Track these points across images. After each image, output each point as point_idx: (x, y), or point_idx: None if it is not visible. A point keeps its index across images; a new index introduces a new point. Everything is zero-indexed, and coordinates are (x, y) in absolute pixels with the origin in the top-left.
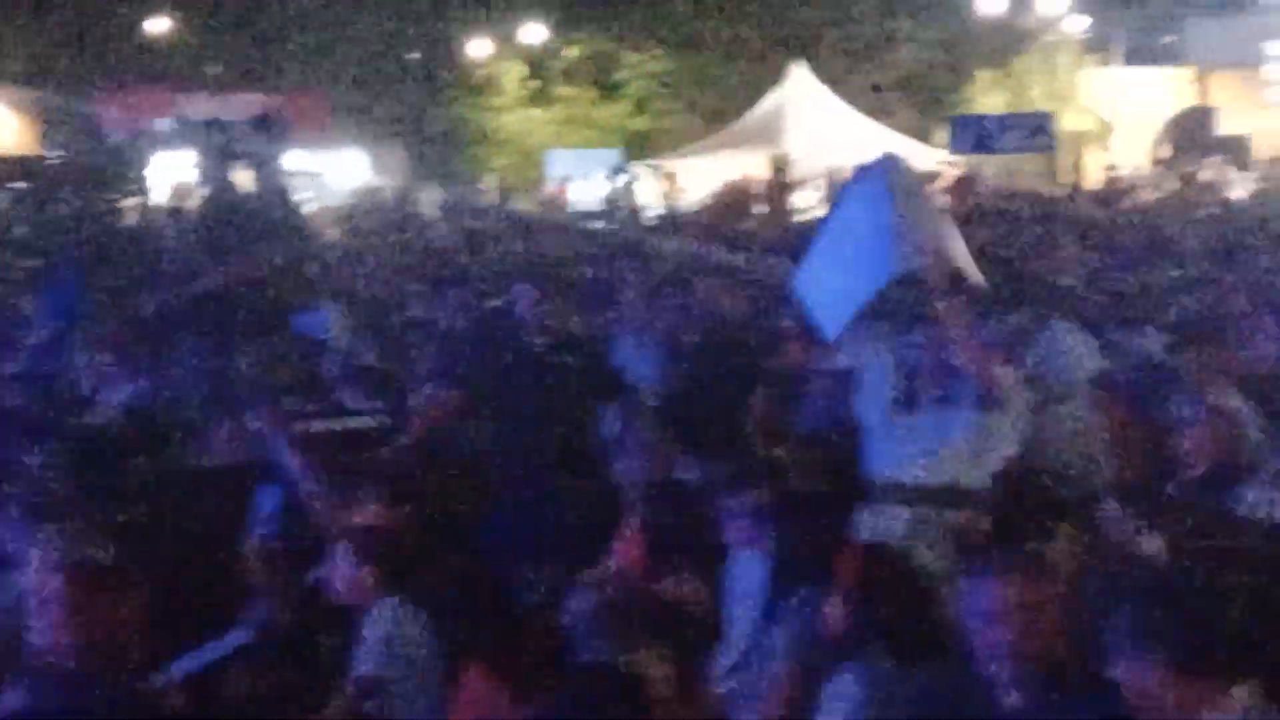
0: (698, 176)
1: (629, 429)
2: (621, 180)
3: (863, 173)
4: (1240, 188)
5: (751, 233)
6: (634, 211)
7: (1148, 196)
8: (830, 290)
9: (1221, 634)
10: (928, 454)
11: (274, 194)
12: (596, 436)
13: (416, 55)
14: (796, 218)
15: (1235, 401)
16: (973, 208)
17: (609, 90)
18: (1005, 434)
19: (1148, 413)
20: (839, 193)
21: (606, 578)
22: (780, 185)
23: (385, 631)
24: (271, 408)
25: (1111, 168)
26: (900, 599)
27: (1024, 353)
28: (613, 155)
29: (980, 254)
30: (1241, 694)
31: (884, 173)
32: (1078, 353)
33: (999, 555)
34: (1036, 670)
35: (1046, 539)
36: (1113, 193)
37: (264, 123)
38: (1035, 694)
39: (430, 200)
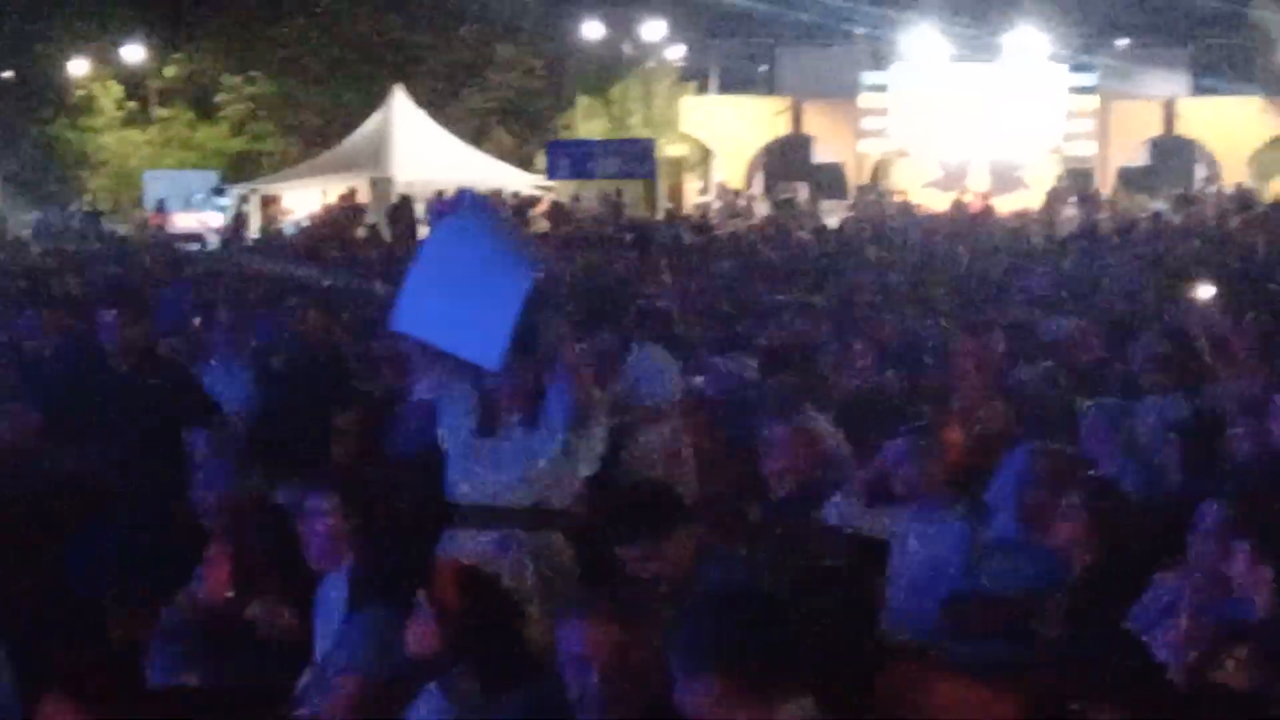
0: (298, 199)
1: (216, 451)
2: (220, 202)
3: (446, 206)
4: (833, 215)
5: (350, 255)
6: (233, 233)
7: (743, 222)
8: (467, 324)
9: (781, 649)
10: (513, 476)
11: None
12: (184, 459)
13: (9, 74)
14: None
15: (822, 423)
16: (570, 232)
17: (208, 112)
18: (588, 454)
19: (738, 434)
20: (431, 231)
21: (193, 602)
22: (394, 209)
23: None
24: None
25: (708, 194)
26: (488, 620)
27: (613, 374)
28: (212, 177)
29: (576, 277)
30: (798, 708)
31: (469, 203)
32: (667, 374)
33: (589, 585)
34: (627, 699)
35: (638, 560)
36: (709, 218)
37: None
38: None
39: (24, 222)
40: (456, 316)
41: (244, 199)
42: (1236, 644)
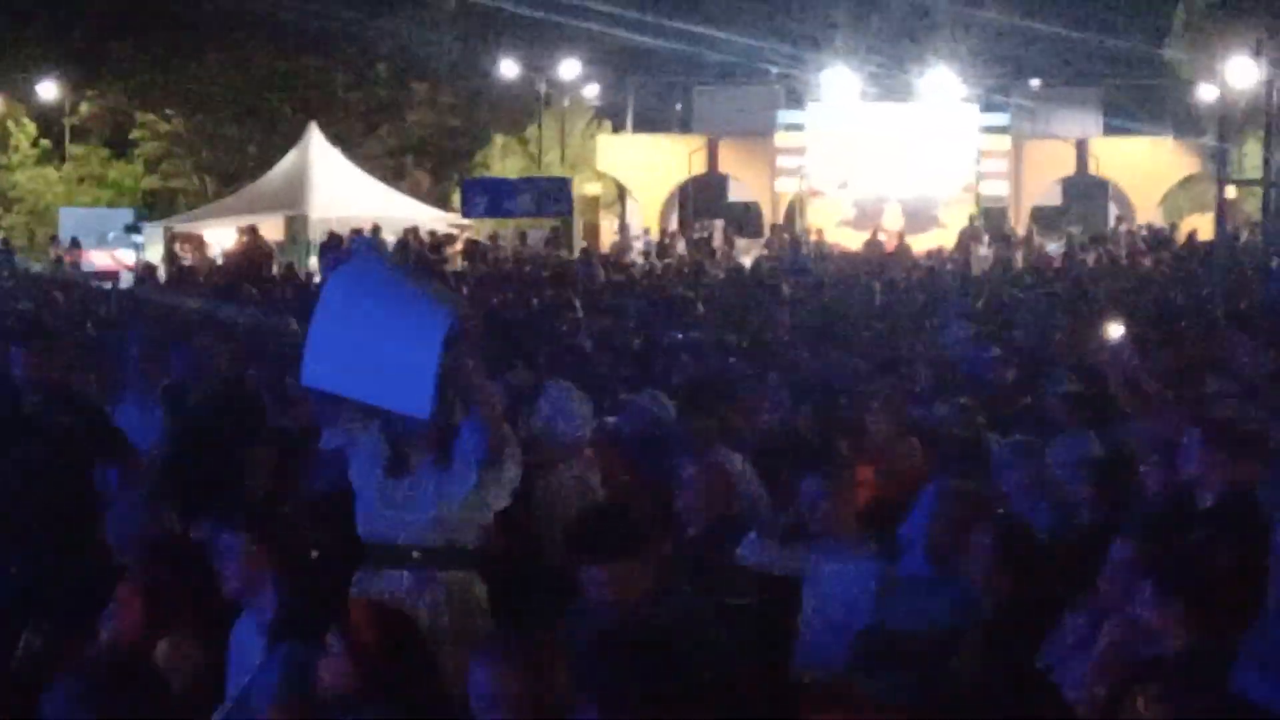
0: (214, 237)
1: (128, 488)
2: (135, 239)
3: (342, 254)
4: (749, 254)
5: (266, 292)
6: (147, 271)
7: (658, 261)
8: (386, 374)
9: (670, 687)
10: (426, 516)
11: None
12: (95, 496)
13: None
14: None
15: (735, 461)
16: (487, 270)
17: (122, 149)
18: (501, 492)
19: (651, 472)
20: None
21: (102, 641)
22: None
23: None
24: None
25: (624, 232)
26: (403, 658)
27: (525, 412)
28: (127, 215)
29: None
30: None
31: (363, 250)
32: (579, 412)
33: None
34: None
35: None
36: (624, 257)
37: None
38: None
39: None
40: (373, 367)
41: (172, 238)
42: (1145, 682)
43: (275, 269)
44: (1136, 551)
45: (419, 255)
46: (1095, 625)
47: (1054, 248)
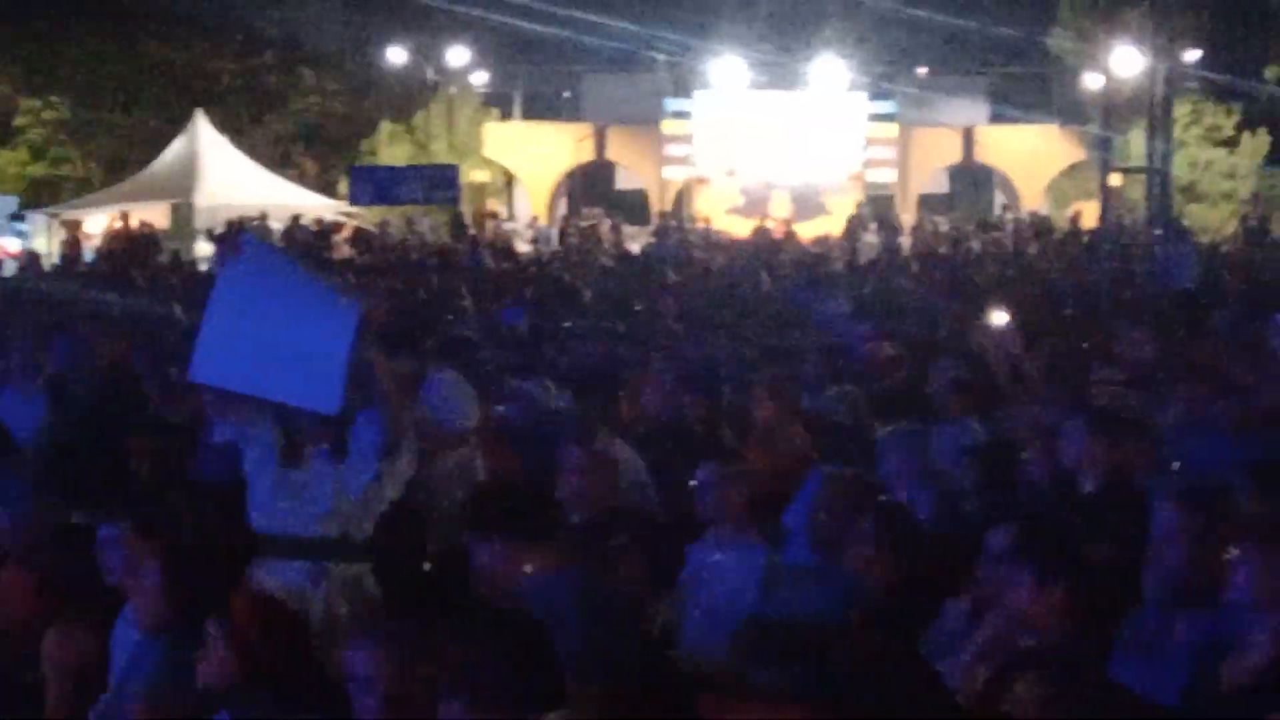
0: (100, 225)
1: (10, 476)
2: (19, 227)
3: (229, 250)
4: (636, 241)
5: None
6: (31, 260)
7: (548, 248)
8: (290, 369)
9: (533, 673)
10: (321, 508)
11: None
12: None
13: None
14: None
15: (620, 449)
16: (374, 258)
17: (6, 136)
18: (397, 482)
19: (537, 460)
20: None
21: None
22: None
23: None
24: None
25: (512, 220)
26: (286, 649)
27: (413, 399)
28: (11, 202)
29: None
30: None
31: (252, 245)
32: (465, 400)
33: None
34: None
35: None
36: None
37: None
38: None
39: None
40: (275, 363)
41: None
42: (1024, 671)
43: (163, 257)
44: (1014, 540)
45: (304, 244)
46: (976, 614)
47: (952, 234)
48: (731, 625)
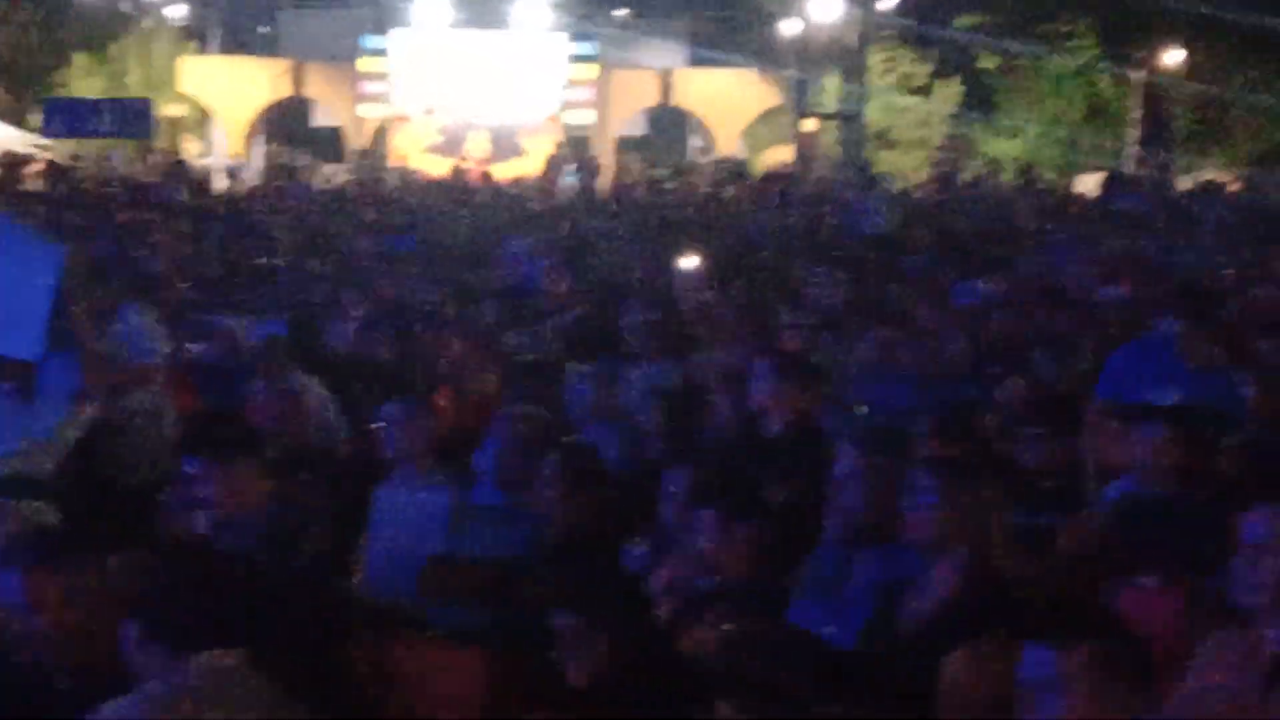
0: None
1: None
2: None
3: None
4: (336, 178)
5: None
6: None
7: (242, 185)
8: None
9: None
10: (6, 447)
11: None
12: None
13: None
14: None
15: (311, 386)
16: (66, 192)
17: None
18: (81, 423)
19: (225, 398)
20: None
21: None
22: None
23: None
24: None
25: (208, 155)
26: None
27: (100, 334)
28: None
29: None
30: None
31: None
32: (153, 336)
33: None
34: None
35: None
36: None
37: None
38: None
39: None
40: None
41: None
42: (704, 612)
43: None
44: (693, 481)
45: None
46: (658, 554)
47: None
48: (416, 565)
